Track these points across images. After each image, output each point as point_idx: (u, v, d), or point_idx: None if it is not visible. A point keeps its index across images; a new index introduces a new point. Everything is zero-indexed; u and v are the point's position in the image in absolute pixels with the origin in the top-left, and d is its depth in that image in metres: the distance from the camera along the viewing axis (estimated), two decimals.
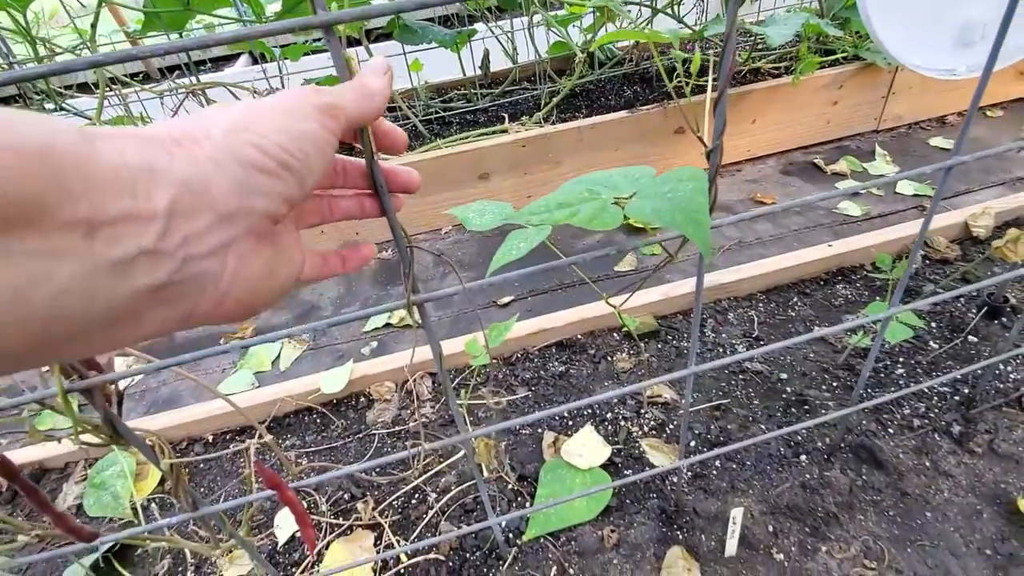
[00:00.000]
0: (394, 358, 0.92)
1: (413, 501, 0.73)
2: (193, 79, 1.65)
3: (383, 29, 1.68)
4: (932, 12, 1.14)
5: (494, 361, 0.93)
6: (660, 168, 1.64)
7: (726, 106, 0.39)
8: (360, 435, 0.83)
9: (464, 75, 1.92)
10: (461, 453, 0.78)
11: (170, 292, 0.20)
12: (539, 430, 0.80)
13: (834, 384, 0.83)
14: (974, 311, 0.90)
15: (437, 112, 1.87)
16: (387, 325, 1.24)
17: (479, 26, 1.84)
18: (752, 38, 1.81)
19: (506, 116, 1.78)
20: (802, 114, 1.71)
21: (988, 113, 1.81)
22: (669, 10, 1.80)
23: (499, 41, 1.85)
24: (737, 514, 0.59)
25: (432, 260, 1.50)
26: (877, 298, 0.97)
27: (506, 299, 1.30)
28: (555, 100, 1.68)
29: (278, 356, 1.17)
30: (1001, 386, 0.79)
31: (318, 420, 0.87)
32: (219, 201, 0.20)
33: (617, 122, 1.58)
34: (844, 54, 1.73)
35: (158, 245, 0.19)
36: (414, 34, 1.64)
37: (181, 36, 1.72)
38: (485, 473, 0.75)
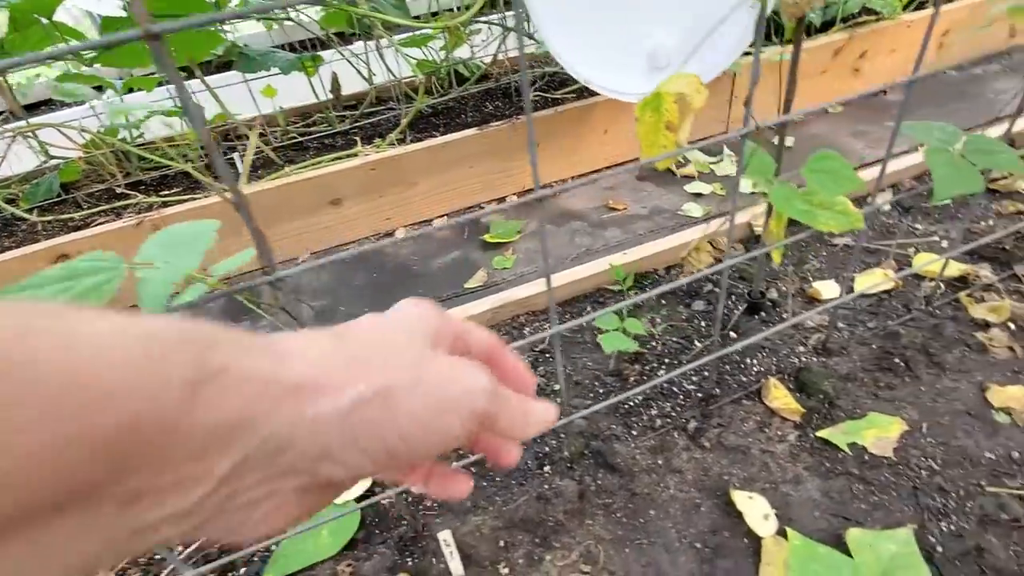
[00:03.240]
0: None
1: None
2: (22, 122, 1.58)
3: (222, 58, 1.66)
4: (617, 37, 1.23)
5: None
6: (516, 185, 1.68)
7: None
8: None
9: (318, 99, 1.91)
10: None
11: (182, 535, 0.17)
12: None
13: (600, 391, 0.87)
14: (741, 308, 0.97)
15: (295, 138, 1.86)
16: None
17: (329, 52, 1.84)
18: None
19: (358, 139, 1.79)
20: None
21: (829, 110, 1.94)
22: (524, 25, 1.86)
23: (351, 64, 1.86)
24: (446, 536, 0.61)
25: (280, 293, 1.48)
26: (623, 310, 1.02)
27: None
28: (404, 122, 1.70)
29: None
30: (744, 379, 0.85)
31: None
32: (287, 464, 0.17)
33: (469, 140, 1.60)
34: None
35: (195, 506, 0.16)
36: (253, 62, 1.62)
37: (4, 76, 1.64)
38: None
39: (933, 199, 0.65)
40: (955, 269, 0.97)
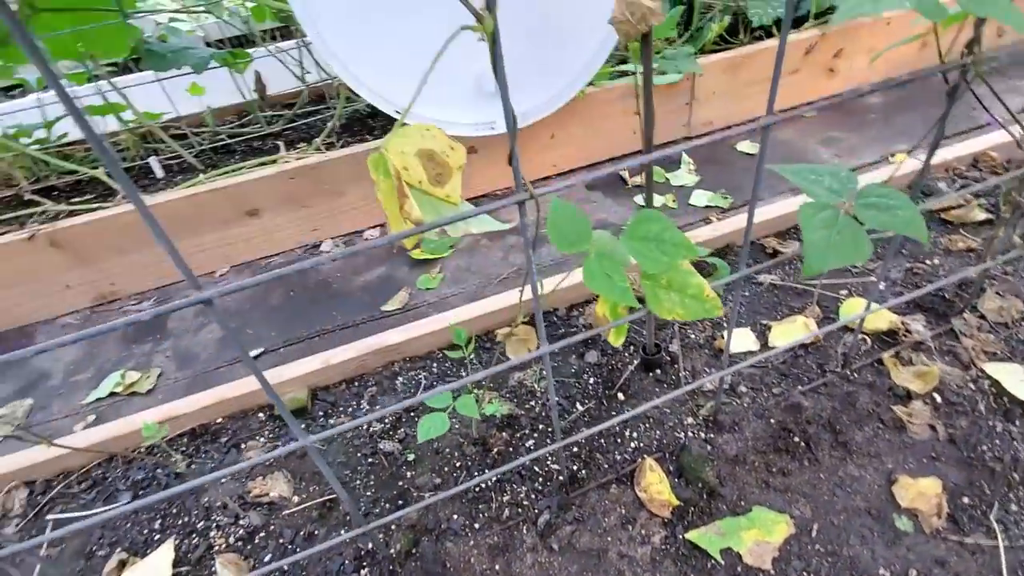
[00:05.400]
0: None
1: None
2: None
3: (133, 56, 1.53)
4: (433, 65, 1.13)
5: (111, 460, 0.82)
6: None
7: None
8: None
9: (244, 99, 1.77)
10: None
11: None
12: (116, 549, 0.70)
13: (457, 464, 0.75)
14: (635, 362, 0.84)
15: (223, 139, 1.73)
16: (112, 394, 1.11)
17: (253, 49, 1.70)
18: None
19: (282, 144, 1.65)
20: (605, 125, 1.63)
21: (804, 115, 1.78)
22: None
23: (280, 61, 1.71)
24: None
25: (192, 311, 1.37)
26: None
27: (255, 351, 1.18)
28: (330, 125, 1.56)
29: None
30: (619, 457, 0.72)
31: None
32: None
33: None
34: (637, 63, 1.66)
35: None
36: (162, 59, 1.48)
37: None
38: None
39: (804, 271, 0.51)
40: (884, 321, 0.83)
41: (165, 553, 0.68)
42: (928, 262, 0.95)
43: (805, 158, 1.55)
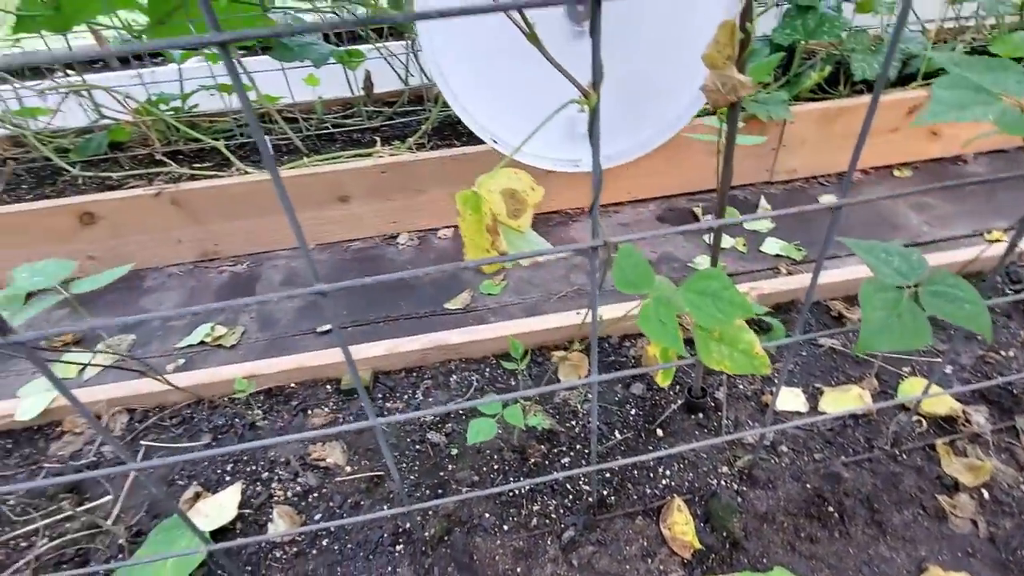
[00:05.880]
0: (104, 389, 0.92)
1: (24, 544, 0.73)
2: (74, 79, 1.68)
3: (261, 43, 1.68)
4: (533, 95, 1.14)
5: (199, 402, 0.92)
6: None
7: None
8: (31, 468, 0.83)
9: (353, 94, 1.90)
10: (107, 497, 0.77)
11: None
12: (193, 482, 0.79)
13: (495, 467, 0.79)
14: (679, 402, 0.85)
15: (327, 128, 1.87)
16: (201, 343, 1.24)
17: (366, 47, 1.82)
18: None
19: (378, 139, 1.76)
20: (687, 161, 1.64)
21: (896, 172, 1.72)
22: None
23: (388, 63, 1.83)
24: None
25: (280, 279, 1.49)
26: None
27: (326, 327, 1.29)
28: (424, 128, 1.65)
29: (84, 367, 1.18)
30: (648, 491, 0.74)
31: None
32: None
33: (482, 155, 1.54)
34: None
35: None
36: (289, 51, 1.62)
37: (66, 37, 1.75)
38: (108, 523, 0.74)
39: (857, 347, 0.52)
40: (944, 406, 0.81)
41: (233, 494, 0.77)
42: (1003, 353, 0.91)
43: (893, 221, 1.49)
